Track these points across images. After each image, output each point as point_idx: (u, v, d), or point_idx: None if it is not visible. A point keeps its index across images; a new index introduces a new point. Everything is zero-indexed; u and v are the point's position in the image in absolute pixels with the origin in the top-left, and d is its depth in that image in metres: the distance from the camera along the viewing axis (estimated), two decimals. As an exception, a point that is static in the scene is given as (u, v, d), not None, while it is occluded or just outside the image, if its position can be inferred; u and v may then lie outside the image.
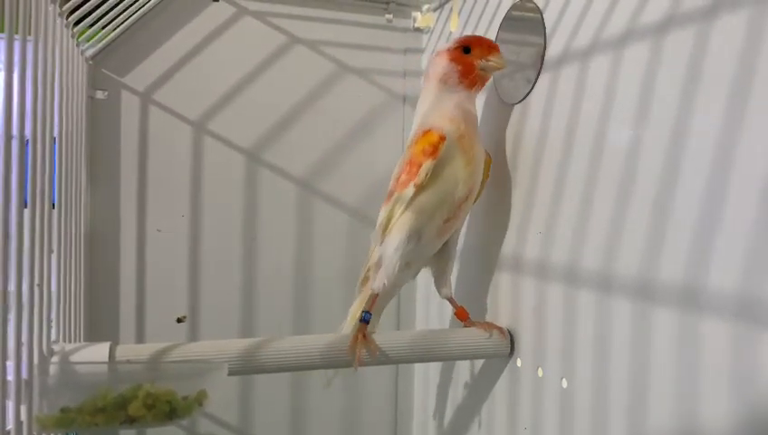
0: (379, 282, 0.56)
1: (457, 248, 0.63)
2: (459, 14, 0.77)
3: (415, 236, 0.56)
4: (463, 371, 0.72)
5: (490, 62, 0.57)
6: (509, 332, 0.62)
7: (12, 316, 0.38)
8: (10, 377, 0.38)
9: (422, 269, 0.63)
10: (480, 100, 0.71)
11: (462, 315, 0.62)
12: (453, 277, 0.64)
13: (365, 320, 0.56)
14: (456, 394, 0.75)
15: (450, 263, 0.61)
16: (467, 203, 0.58)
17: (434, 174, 0.54)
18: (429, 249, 0.59)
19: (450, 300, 0.62)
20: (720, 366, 0.39)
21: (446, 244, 0.60)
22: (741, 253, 0.38)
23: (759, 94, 0.37)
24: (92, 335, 0.71)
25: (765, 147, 0.36)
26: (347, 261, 0.84)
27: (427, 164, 0.53)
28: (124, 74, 0.76)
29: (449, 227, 0.58)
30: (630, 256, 0.46)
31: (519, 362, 0.61)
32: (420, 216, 0.55)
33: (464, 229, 0.62)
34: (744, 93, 0.38)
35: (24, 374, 0.39)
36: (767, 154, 0.36)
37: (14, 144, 0.37)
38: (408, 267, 0.59)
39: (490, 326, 0.60)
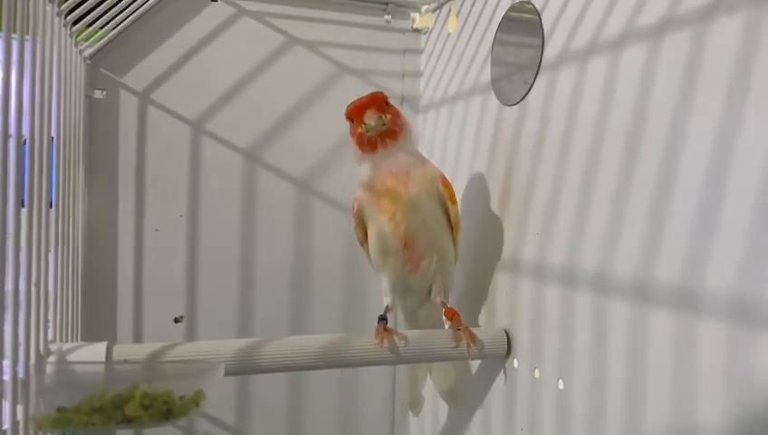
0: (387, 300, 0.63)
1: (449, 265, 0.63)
2: (458, 15, 0.77)
3: (391, 278, 0.61)
4: (460, 371, 0.72)
5: (366, 125, 0.57)
6: (506, 332, 0.62)
7: (9, 316, 0.38)
8: (6, 376, 0.38)
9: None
10: (477, 101, 0.71)
11: (449, 314, 0.62)
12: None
13: (383, 318, 0.60)
14: (454, 395, 0.74)
15: (439, 283, 0.62)
16: (414, 246, 0.59)
17: (369, 230, 0.61)
18: (411, 282, 0.62)
19: (441, 304, 0.62)
20: (716, 367, 0.39)
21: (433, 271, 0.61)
22: (738, 254, 0.38)
23: (756, 96, 0.37)
24: (89, 335, 0.71)
25: (762, 149, 0.37)
26: (344, 261, 0.84)
27: (353, 225, 0.62)
28: (122, 74, 0.76)
29: (412, 266, 0.60)
30: (627, 257, 0.46)
31: (516, 363, 0.61)
32: (377, 262, 0.61)
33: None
34: (741, 95, 0.38)
35: (21, 374, 0.39)
36: (764, 156, 0.36)
37: (12, 143, 0.37)
38: (405, 294, 0.64)
39: (458, 338, 0.59)
